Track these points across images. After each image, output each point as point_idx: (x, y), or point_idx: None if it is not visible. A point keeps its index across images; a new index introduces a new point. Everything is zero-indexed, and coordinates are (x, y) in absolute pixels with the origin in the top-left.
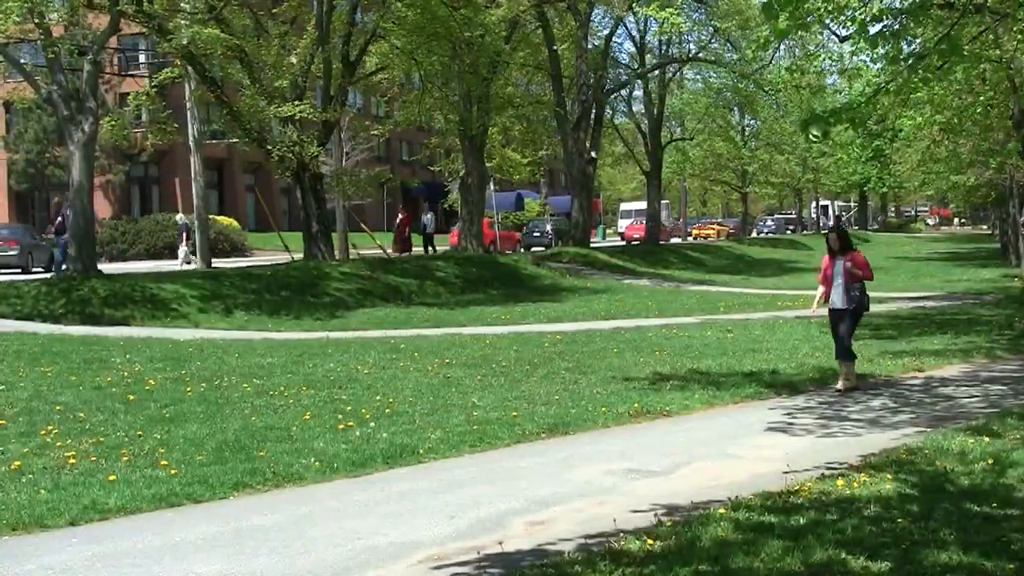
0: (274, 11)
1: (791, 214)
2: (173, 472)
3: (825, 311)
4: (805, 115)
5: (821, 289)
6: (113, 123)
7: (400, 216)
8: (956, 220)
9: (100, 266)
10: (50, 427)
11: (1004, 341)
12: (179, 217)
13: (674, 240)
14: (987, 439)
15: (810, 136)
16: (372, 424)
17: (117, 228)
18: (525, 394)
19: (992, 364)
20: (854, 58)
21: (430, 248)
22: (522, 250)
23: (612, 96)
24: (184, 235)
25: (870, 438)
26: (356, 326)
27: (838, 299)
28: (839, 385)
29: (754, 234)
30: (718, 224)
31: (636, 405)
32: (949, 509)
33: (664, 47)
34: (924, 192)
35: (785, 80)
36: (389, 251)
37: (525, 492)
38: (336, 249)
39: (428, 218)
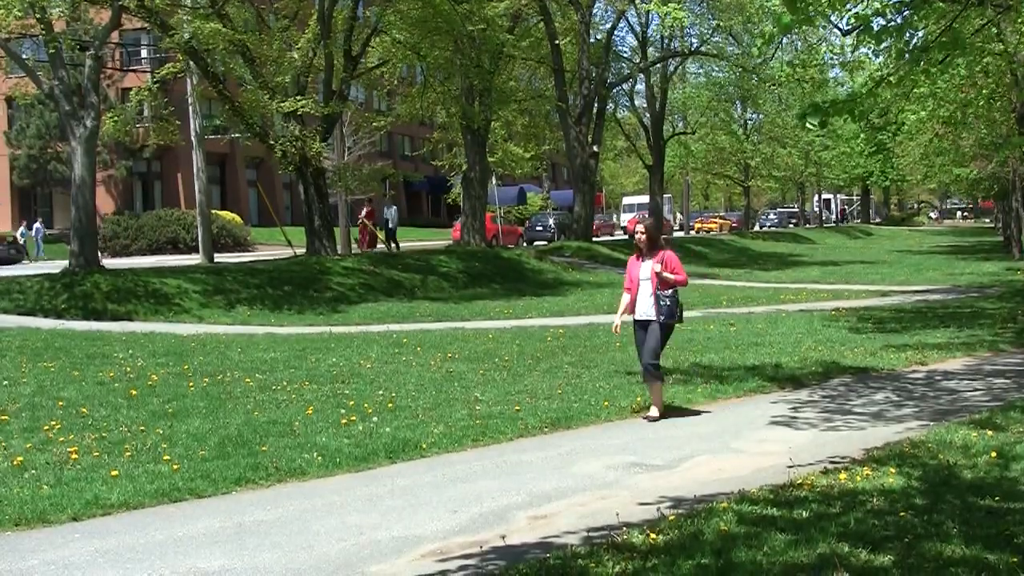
0: (276, 6)
1: (794, 208)
2: (175, 467)
3: (631, 322)
4: (801, 110)
5: (626, 297)
6: (115, 119)
7: (364, 210)
8: (959, 213)
9: (102, 261)
10: (53, 422)
11: (1007, 335)
12: None
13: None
14: (991, 433)
15: (807, 125)
16: (375, 419)
17: (119, 224)
18: (528, 388)
19: (995, 357)
20: (857, 51)
21: (392, 244)
22: (524, 244)
23: (614, 90)
24: None
25: (873, 432)
26: (359, 321)
27: (645, 308)
28: (651, 413)
29: (756, 228)
30: (720, 218)
31: (639, 399)
32: (952, 502)
33: (666, 41)
34: (926, 185)
35: (787, 74)
36: (360, 248)
37: (528, 486)
38: (338, 244)
39: (391, 212)
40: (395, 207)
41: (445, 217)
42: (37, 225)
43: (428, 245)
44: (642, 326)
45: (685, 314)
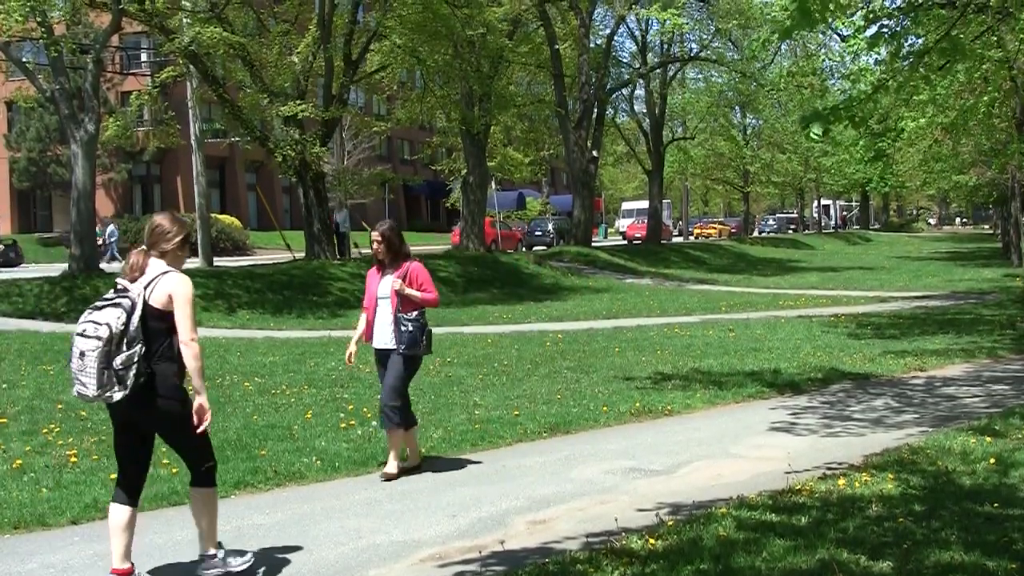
0: (276, 10)
1: (793, 214)
2: (174, 471)
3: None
4: (806, 113)
5: (363, 320)
6: (115, 122)
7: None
8: (958, 220)
9: (101, 265)
10: (52, 425)
11: (1006, 341)
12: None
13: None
14: (990, 439)
15: (811, 135)
16: (374, 423)
17: (119, 227)
18: (527, 393)
19: (995, 364)
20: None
21: (347, 251)
22: (524, 249)
23: (614, 95)
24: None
25: (873, 438)
26: (357, 325)
27: (383, 335)
28: (388, 468)
29: (756, 233)
30: (720, 223)
31: (638, 404)
32: (951, 509)
33: (666, 46)
34: (926, 191)
35: (787, 81)
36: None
37: (527, 491)
38: (338, 248)
39: (341, 216)
40: (346, 210)
41: (444, 221)
42: (111, 228)
43: (427, 249)
44: (381, 357)
45: (696, 318)
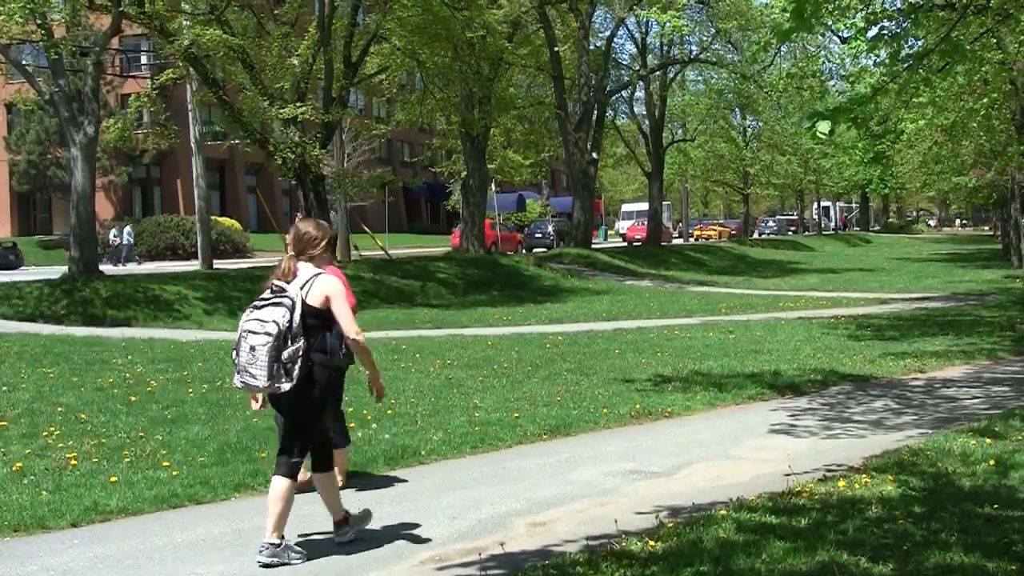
0: (276, 12)
1: (793, 215)
2: (175, 473)
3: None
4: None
5: None
6: (115, 125)
7: (298, 215)
8: (958, 221)
9: (101, 267)
10: (52, 428)
11: (1006, 342)
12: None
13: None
14: (990, 440)
15: (816, 135)
16: (374, 425)
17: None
18: (527, 395)
19: (994, 365)
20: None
21: None
22: (524, 251)
23: (613, 97)
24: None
25: (872, 439)
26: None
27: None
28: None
29: (756, 235)
30: (720, 225)
31: (638, 406)
32: (951, 511)
33: (665, 48)
34: (926, 193)
35: (786, 83)
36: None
37: (527, 493)
38: (337, 250)
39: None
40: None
41: (444, 224)
42: (128, 229)
43: (427, 252)
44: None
45: (696, 320)
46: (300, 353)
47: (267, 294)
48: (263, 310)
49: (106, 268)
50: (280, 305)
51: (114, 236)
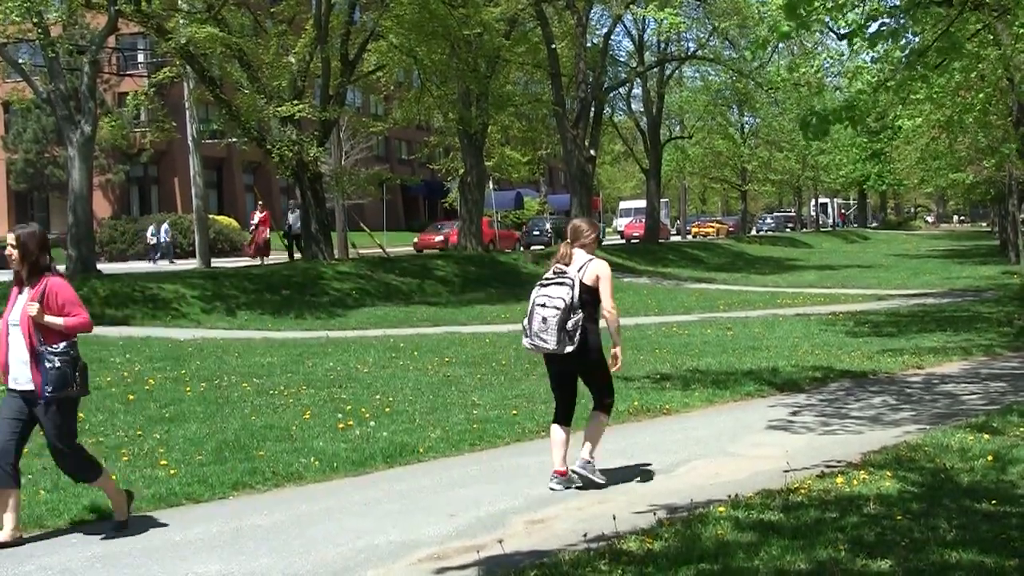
0: (272, 10)
1: (791, 212)
2: (173, 472)
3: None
4: (804, 113)
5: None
6: (112, 123)
7: (258, 215)
8: (955, 217)
9: (99, 266)
10: None
11: (1004, 338)
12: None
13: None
14: (988, 436)
15: (810, 136)
16: (372, 423)
17: (116, 228)
18: (525, 392)
19: (992, 361)
20: (854, 57)
21: (296, 253)
22: (522, 249)
23: (611, 94)
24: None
25: (871, 435)
26: (356, 325)
27: (19, 372)
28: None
29: (753, 232)
30: (717, 222)
31: (636, 403)
32: (950, 506)
33: (663, 45)
34: (923, 189)
35: (784, 79)
36: (249, 254)
37: (525, 491)
38: (335, 248)
39: (293, 217)
40: (299, 211)
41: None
42: (165, 226)
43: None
44: (15, 401)
45: (694, 317)
46: (579, 323)
47: (550, 274)
48: (549, 287)
49: (141, 265)
50: (563, 284)
51: (151, 234)
